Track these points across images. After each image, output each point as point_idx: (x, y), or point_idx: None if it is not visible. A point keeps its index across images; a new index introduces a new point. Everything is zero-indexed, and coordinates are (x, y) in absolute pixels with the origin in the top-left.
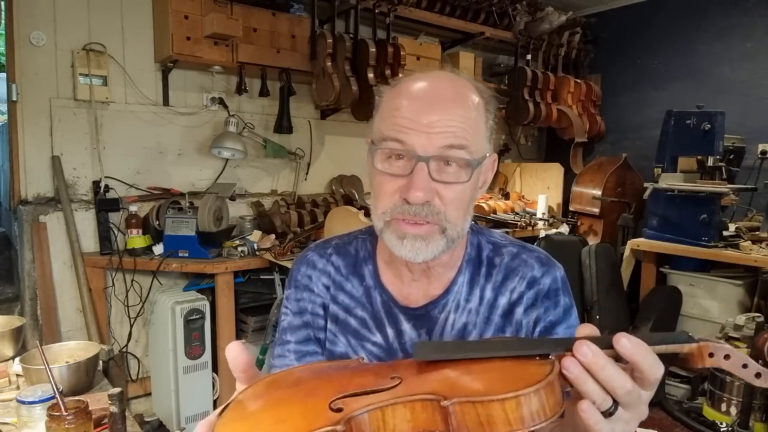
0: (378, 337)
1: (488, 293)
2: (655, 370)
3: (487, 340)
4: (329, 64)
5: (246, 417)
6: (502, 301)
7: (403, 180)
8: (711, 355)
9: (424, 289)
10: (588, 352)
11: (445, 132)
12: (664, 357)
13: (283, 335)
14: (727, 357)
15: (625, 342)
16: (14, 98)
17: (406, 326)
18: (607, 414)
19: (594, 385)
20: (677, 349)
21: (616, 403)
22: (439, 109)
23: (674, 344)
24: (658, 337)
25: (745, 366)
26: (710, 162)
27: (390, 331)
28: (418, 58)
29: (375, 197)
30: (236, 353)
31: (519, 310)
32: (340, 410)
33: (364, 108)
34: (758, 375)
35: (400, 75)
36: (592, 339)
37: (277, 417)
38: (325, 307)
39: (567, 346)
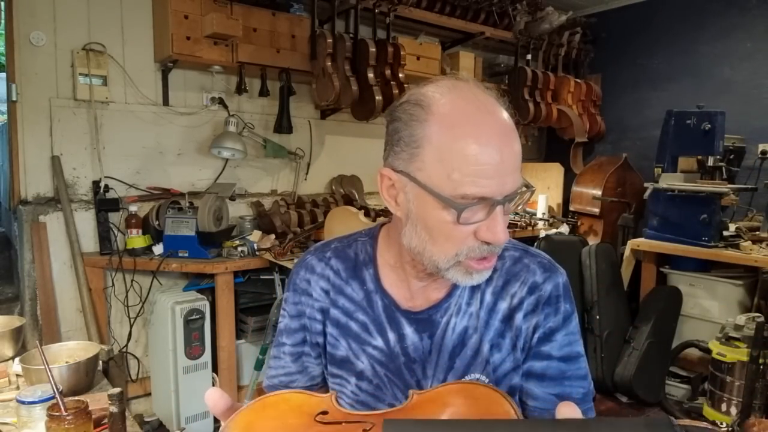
0: (379, 341)
1: (488, 297)
2: None
3: (460, 422)
4: (329, 64)
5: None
6: (503, 305)
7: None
8: None
9: (426, 294)
10: None
11: (515, 168)
12: None
13: (279, 337)
14: None
15: None
16: (14, 98)
17: (408, 330)
18: None
19: None
20: None
21: None
22: (506, 146)
23: None
24: (637, 426)
25: None
26: (710, 162)
27: (392, 336)
28: (418, 58)
29: (441, 240)
30: (214, 401)
31: (519, 316)
32: None
33: (364, 108)
34: None
35: (401, 75)
36: (568, 421)
37: None
38: (323, 312)
39: None
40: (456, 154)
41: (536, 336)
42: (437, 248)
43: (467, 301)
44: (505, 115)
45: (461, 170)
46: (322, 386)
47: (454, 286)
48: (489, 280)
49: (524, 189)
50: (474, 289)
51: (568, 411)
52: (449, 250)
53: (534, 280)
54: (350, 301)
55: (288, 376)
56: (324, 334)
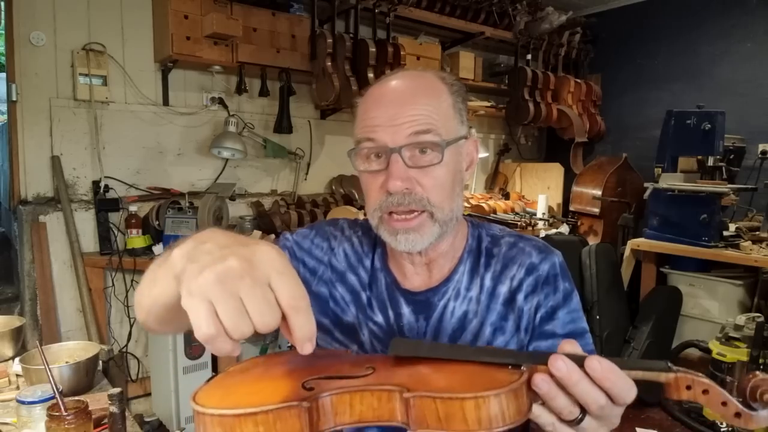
0: (380, 318)
1: (488, 282)
2: (626, 394)
3: (464, 345)
4: (329, 64)
5: (224, 386)
6: (503, 289)
7: (383, 175)
8: (688, 387)
9: (425, 278)
10: (563, 366)
11: (410, 121)
12: (640, 382)
13: None
14: (705, 392)
15: (595, 365)
16: (14, 98)
17: (406, 310)
18: (574, 423)
19: (563, 400)
20: (653, 377)
21: (583, 413)
22: (400, 102)
23: (650, 371)
24: (635, 363)
25: (724, 404)
26: (710, 162)
27: (391, 314)
28: (418, 58)
29: (365, 198)
30: None
31: (520, 297)
32: (311, 389)
33: None
34: (738, 415)
35: None
36: (570, 356)
37: (252, 389)
38: (337, 272)
39: (542, 359)
40: (359, 117)
41: (539, 316)
42: (367, 207)
43: (467, 286)
44: (415, 78)
45: (359, 126)
46: None
47: (454, 271)
48: (488, 266)
49: (427, 141)
50: (473, 274)
51: (569, 347)
52: (370, 204)
53: (531, 261)
54: (365, 273)
55: None
56: (330, 293)
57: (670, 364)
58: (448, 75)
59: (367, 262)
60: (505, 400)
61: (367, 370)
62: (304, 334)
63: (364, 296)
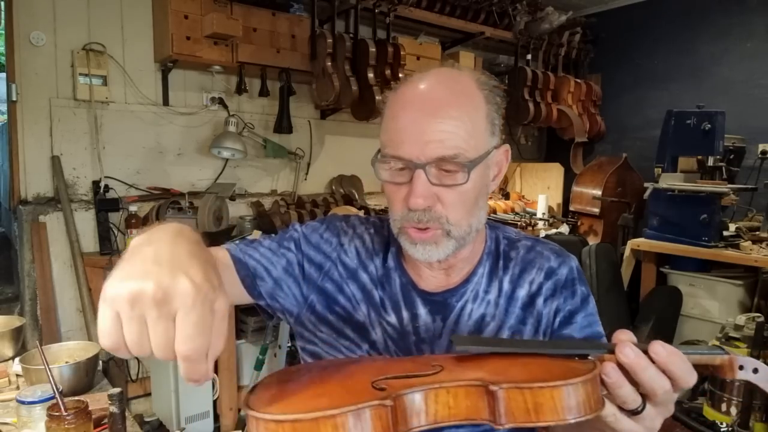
0: (393, 318)
1: (506, 285)
2: (688, 378)
3: (524, 340)
4: (329, 64)
5: (280, 392)
6: (521, 293)
7: (406, 188)
8: (741, 367)
9: (442, 280)
10: (631, 353)
11: (437, 140)
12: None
13: (270, 240)
14: (755, 371)
15: (659, 349)
16: (14, 98)
17: (422, 311)
18: (636, 412)
19: (628, 389)
20: (710, 360)
21: (644, 402)
22: (431, 111)
23: (707, 355)
24: (692, 348)
25: None
26: (710, 162)
27: (405, 314)
28: (418, 58)
29: (389, 205)
30: None
31: (539, 301)
32: (383, 389)
33: (364, 108)
34: None
35: (401, 75)
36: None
37: (316, 392)
38: (348, 268)
39: (607, 348)
40: (386, 120)
41: (557, 320)
42: (390, 213)
43: (485, 289)
44: (451, 85)
45: (385, 132)
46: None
47: (473, 273)
48: (506, 269)
49: (453, 162)
50: (492, 277)
51: (624, 336)
52: (393, 214)
53: (549, 265)
54: (377, 271)
55: (259, 264)
56: (340, 289)
57: (723, 347)
58: (486, 77)
59: (378, 261)
60: (591, 387)
61: (434, 367)
62: (189, 377)
63: (376, 295)
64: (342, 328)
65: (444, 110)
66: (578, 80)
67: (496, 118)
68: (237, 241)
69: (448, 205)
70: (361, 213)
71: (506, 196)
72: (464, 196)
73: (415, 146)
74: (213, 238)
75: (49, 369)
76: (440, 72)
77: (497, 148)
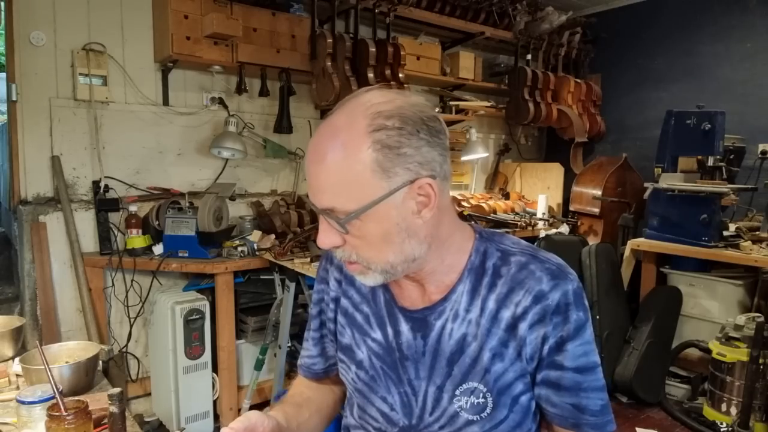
0: (378, 335)
1: (490, 304)
2: None
3: None
4: (329, 64)
5: None
6: (506, 314)
7: None
8: None
9: (422, 293)
10: None
11: (321, 192)
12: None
13: (307, 324)
14: None
15: None
16: (14, 98)
17: (404, 327)
18: None
19: None
20: None
21: None
22: (316, 161)
23: None
24: None
25: None
26: (710, 162)
27: (390, 330)
28: (418, 58)
29: None
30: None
31: (523, 326)
32: None
33: None
34: None
35: (401, 75)
36: None
37: None
38: (336, 301)
39: None
40: None
41: (546, 347)
42: None
43: (465, 308)
44: (327, 138)
45: None
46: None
47: (452, 290)
48: (493, 286)
49: (331, 215)
50: (474, 295)
51: None
52: None
53: (540, 288)
54: (358, 293)
55: (310, 359)
56: (335, 321)
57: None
58: (387, 114)
59: (358, 282)
60: None
61: None
62: None
63: (358, 316)
64: (339, 355)
65: (323, 164)
66: (578, 80)
67: (396, 157)
68: (299, 361)
69: (353, 246)
70: None
71: (506, 196)
72: (366, 239)
73: (311, 192)
74: (213, 238)
75: (49, 369)
76: (331, 119)
77: (408, 185)
